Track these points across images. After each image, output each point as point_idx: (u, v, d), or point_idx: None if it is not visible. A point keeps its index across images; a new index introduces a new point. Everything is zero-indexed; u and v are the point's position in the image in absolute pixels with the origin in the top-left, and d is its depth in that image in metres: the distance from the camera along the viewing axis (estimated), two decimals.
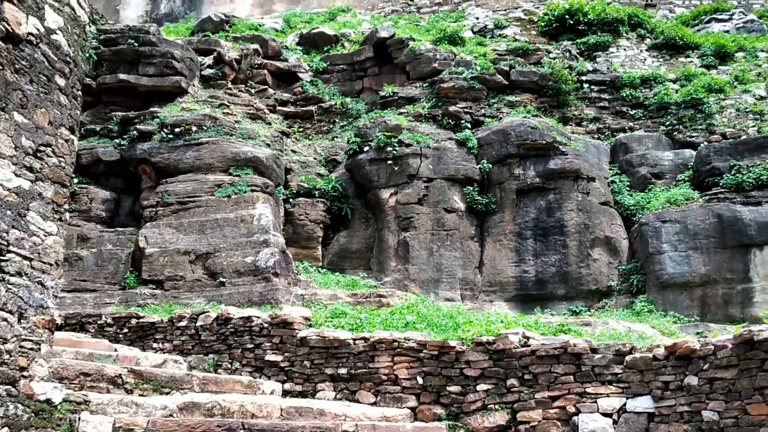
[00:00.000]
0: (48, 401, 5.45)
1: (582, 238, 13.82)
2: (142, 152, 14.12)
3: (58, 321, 11.77)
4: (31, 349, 5.30)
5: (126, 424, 5.80)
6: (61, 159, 5.72)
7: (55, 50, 5.69)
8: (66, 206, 5.81)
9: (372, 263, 14.99)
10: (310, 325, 9.01)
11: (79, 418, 5.65)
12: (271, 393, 8.36)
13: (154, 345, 10.22)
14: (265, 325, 9.10)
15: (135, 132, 14.26)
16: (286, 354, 8.74)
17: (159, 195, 13.74)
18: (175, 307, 11.25)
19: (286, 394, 8.49)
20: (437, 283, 14.02)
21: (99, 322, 11.11)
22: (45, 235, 5.51)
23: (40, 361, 5.40)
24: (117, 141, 14.55)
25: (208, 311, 9.90)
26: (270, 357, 8.84)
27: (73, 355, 7.58)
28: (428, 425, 7.15)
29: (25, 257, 5.27)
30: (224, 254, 12.85)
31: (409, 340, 7.94)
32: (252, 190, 13.56)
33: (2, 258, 5.06)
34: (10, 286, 5.10)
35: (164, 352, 10.01)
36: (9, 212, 5.14)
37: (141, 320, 10.54)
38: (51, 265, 5.56)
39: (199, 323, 9.83)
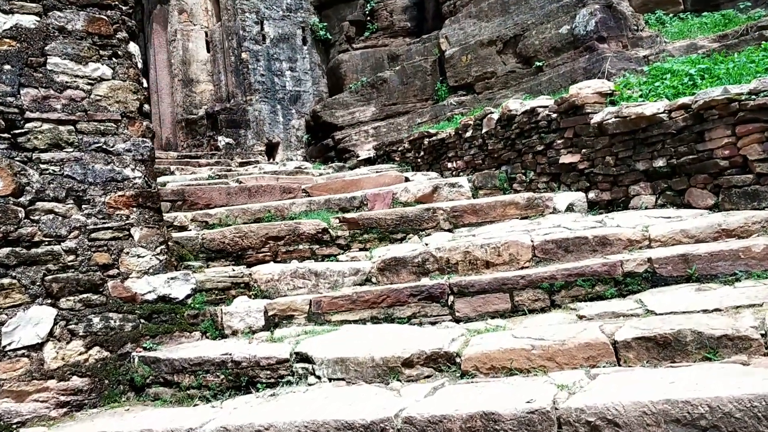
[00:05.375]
0: (165, 298, 4.08)
1: None
2: None
3: (369, 154, 10.84)
4: (114, 238, 3.91)
5: (281, 310, 4.14)
6: None
7: None
8: (123, 35, 4.09)
9: None
10: (612, 103, 6.03)
11: (222, 310, 4.18)
12: (567, 210, 5.86)
13: (449, 165, 8.40)
14: (552, 115, 6.42)
15: None
16: (583, 151, 6.01)
17: None
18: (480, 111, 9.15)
19: (592, 206, 5.89)
20: None
21: (400, 149, 9.73)
22: (90, 84, 3.92)
23: (136, 250, 3.99)
24: None
25: (490, 112, 7.57)
26: (565, 159, 6.23)
27: (305, 205, 6.21)
28: None
29: (59, 122, 3.78)
30: (534, 31, 10.07)
31: (756, 95, 4.48)
32: None
33: (18, 131, 3.62)
34: (43, 166, 3.69)
35: (457, 172, 8.14)
36: (7, 67, 3.63)
37: (432, 138, 8.76)
38: (116, 122, 3.98)
39: (483, 130, 7.60)
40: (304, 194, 7.48)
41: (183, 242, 4.81)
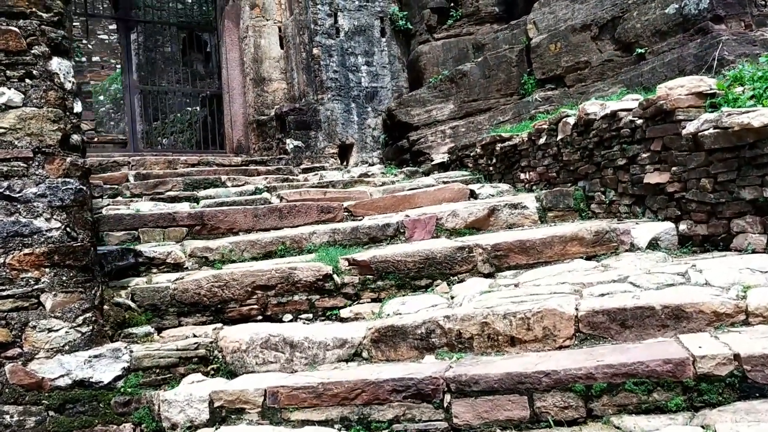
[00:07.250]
0: (84, 383, 3.23)
1: None
2: None
3: (444, 158, 9.70)
4: (16, 309, 3.10)
5: (229, 401, 3.19)
6: None
7: None
8: (41, 49, 3.26)
9: None
10: (713, 106, 4.61)
11: (159, 397, 3.28)
12: (650, 246, 4.55)
13: (521, 176, 7.16)
14: (637, 121, 5.08)
15: None
16: (673, 170, 4.65)
17: None
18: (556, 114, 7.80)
19: (684, 241, 4.54)
20: None
21: (472, 154, 8.56)
22: None
23: (47, 322, 3.17)
24: None
25: (566, 115, 6.27)
26: (650, 178, 4.89)
27: (327, 235, 5.24)
28: None
29: None
30: (635, 13, 8.54)
31: None
32: None
33: None
34: None
35: (530, 185, 6.91)
36: None
37: (504, 144, 7.53)
38: (26, 160, 3.17)
39: (558, 137, 6.32)
40: (346, 213, 6.51)
41: (147, 295, 3.98)
